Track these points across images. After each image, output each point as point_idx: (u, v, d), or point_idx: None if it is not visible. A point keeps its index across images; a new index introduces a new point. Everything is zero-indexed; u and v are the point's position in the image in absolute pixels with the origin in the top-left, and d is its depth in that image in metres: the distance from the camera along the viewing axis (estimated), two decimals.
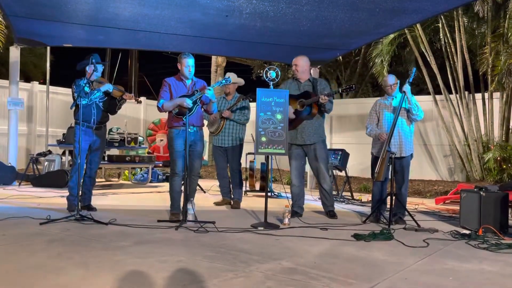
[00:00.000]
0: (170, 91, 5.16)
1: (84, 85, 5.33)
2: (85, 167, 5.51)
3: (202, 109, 5.32)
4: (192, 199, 5.04)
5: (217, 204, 6.47)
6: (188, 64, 5.14)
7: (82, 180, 5.46)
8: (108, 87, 5.50)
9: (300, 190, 5.69)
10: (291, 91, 5.59)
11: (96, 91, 5.45)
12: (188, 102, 4.97)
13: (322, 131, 5.69)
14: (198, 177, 5.54)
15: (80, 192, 5.44)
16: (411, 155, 5.36)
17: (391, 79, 5.42)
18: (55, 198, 6.49)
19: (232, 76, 6.27)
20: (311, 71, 9.11)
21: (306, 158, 5.72)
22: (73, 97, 5.39)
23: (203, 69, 16.57)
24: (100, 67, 5.50)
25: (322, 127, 5.71)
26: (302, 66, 5.64)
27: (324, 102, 5.34)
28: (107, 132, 5.84)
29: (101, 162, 8.51)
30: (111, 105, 5.65)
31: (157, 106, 5.19)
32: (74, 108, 5.36)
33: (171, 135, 5.18)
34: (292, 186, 5.71)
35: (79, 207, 4.94)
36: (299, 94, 5.58)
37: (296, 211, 5.56)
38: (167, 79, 5.27)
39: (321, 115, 5.65)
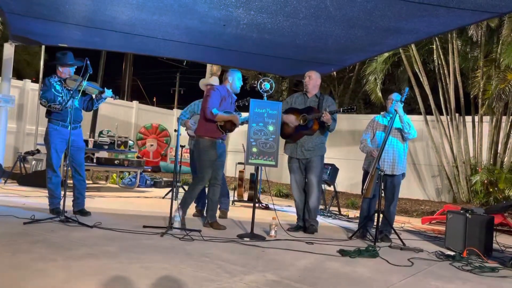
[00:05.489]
0: (220, 102, 5.09)
1: (54, 83, 5.22)
2: (68, 170, 5.32)
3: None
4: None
5: (196, 215, 6.04)
6: (240, 77, 5.27)
7: (72, 184, 5.37)
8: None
9: (303, 203, 5.54)
10: (297, 105, 5.56)
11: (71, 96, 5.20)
12: (240, 121, 5.11)
13: (323, 148, 5.56)
14: (220, 185, 5.47)
15: (72, 197, 5.36)
16: (403, 175, 5.39)
17: (394, 96, 5.39)
18: (41, 198, 6.40)
19: (214, 80, 6.17)
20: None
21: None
22: (39, 94, 5.16)
23: (198, 77, 16.62)
24: (73, 69, 5.31)
25: (323, 144, 5.57)
26: (315, 79, 5.53)
27: (326, 120, 5.23)
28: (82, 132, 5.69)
29: (90, 164, 8.51)
30: (89, 102, 5.51)
31: (209, 111, 4.98)
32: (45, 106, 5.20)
33: (207, 144, 5.11)
34: (295, 200, 5.62)
35: (63, 211, 4.82)
36: (303, 108, 5.48)
37: (300, 225, 5.50)
38: (218, 87, 5.18)
39: (323, 132, 5.52)
